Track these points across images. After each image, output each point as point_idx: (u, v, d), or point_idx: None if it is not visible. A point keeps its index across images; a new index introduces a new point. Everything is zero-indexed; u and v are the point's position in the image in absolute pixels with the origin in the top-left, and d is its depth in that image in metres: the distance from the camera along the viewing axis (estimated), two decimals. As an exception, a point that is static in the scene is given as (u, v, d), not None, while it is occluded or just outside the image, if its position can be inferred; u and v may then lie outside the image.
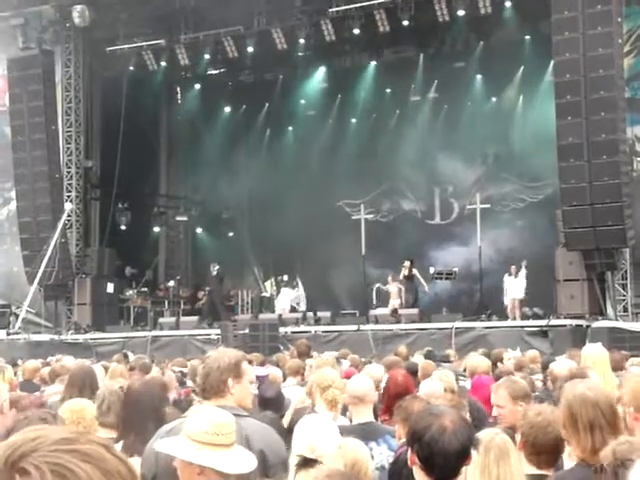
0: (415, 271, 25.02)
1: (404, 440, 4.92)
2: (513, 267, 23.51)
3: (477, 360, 8.89)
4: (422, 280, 25.22)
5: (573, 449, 3.90)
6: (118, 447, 4.65)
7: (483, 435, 3.53)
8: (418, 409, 3.79)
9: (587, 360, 7.68)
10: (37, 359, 13.85)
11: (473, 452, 3.18)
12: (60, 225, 25.90)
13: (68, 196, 28.17)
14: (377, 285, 26.30)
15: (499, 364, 10.72)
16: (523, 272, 23.26)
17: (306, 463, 3.67)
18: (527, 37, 26.70)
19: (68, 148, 28.55)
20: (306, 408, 6.29)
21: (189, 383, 9.66)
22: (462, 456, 3.11)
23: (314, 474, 3.28)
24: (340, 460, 3.81)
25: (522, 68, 27.43)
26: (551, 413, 4.27)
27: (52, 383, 9.00)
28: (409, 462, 3.17)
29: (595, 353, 7.90)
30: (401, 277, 25.01)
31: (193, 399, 7.70)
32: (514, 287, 23.27)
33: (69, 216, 27.56)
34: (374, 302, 26.20)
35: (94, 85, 29.88)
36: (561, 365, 7.85)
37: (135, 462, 4.42)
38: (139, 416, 4.66)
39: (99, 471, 1.27)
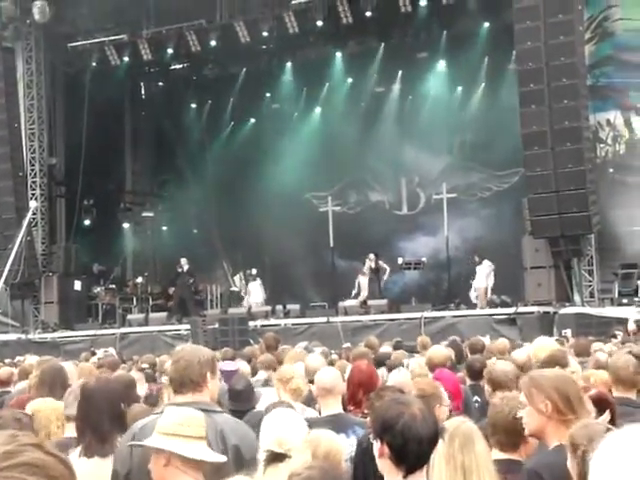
0: (381, 263, 25.09)
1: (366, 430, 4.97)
2: (476, 256, 23.67)
3: (433, 351, 8.65)
4: (387, 272, 25.25)
5: (562, 432, 3.86)
6: (78, 450, 4.60)
7: (449, 423, 3.54)
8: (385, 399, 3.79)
9: (538, 352, 7.75)
10: (4, 359, 13.74)
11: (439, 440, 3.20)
12: (25, 223, 25.60)
13: (32, 194, 27.91)
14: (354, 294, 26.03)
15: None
16: (484, 268, 23.39)
17: (275, 458, 3.66)
18: (489, 26, 26.76)
19: (31, 146, 28.27)
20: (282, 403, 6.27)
21: (163, 379, 9.58)
22: (433, 442, 3.13)
23: (293, 468, 3.27)
24: (308, 452, 3.80)
25: (486, 58, 27.50)
26: (510, 397, 4.35)
27: (19, 382, 8.90)
28: (377, 454, 3.15)
29: (545, 345, 8.00)
30: (365, 270, 25.08)
31: (163, 395, 7.64)
32: (478, 275, 23.44)
33: (34, 214, 27.25)
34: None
35: (56, 82, 29.61)
36: (522, 353, 7.91)
37: (96, 463, 4.39)
38: (94, 415, 4.61)
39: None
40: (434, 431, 3.13)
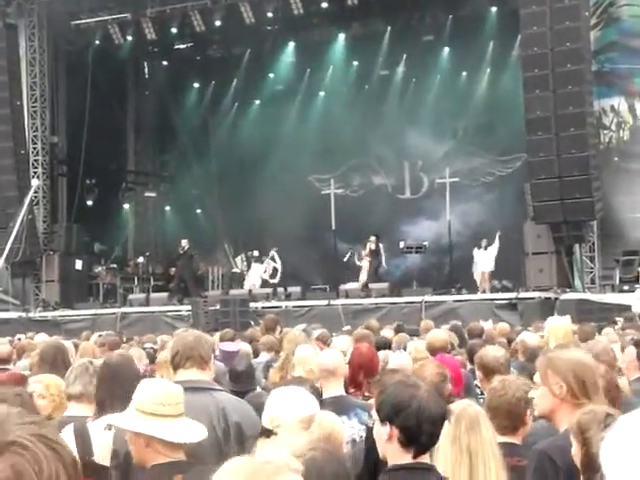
0: (381, 246, 25.09)
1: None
2: (484, 240, 23.62)
3: (433, 335, 8.40)
4: (383, 257, 25.25)
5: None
6: (101, 422, 4.60)
7: (456, 406, 3.53)
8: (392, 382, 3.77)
9: (551, 333, 7.71)
10: (5, 337, 13.73)
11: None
12: (27, 201, 25.57)
13: (34, 172, 27.84)
14: (351, 253, 26.08)
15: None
16: (496, 244, 23.36)
17: (263, 433, 3.72)
18: (495, 10, 26.66)
19: (33, 124, 28.17)
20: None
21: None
22: (443, 422, 3.14)
23: (293, 447, 3.26)
24: (300, 430, 3.78)
25: (491, 42, 27.39)
26: (510, 380, 4.32)
27: (19, 360, 8.91)
28: (385, 438, 3.12)
29: (559, 326, 7.94)
30: (367, 251, 25.06)
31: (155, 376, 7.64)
32: (484, 260, 23.38)
33: (36, 192, 27.22)
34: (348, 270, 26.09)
35: (59, 60, 29.50)
36: (532, 336, 7.87)
37: None
38: (122, 390, 4.62)
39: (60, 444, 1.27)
40: (445, 411, 3.15)
